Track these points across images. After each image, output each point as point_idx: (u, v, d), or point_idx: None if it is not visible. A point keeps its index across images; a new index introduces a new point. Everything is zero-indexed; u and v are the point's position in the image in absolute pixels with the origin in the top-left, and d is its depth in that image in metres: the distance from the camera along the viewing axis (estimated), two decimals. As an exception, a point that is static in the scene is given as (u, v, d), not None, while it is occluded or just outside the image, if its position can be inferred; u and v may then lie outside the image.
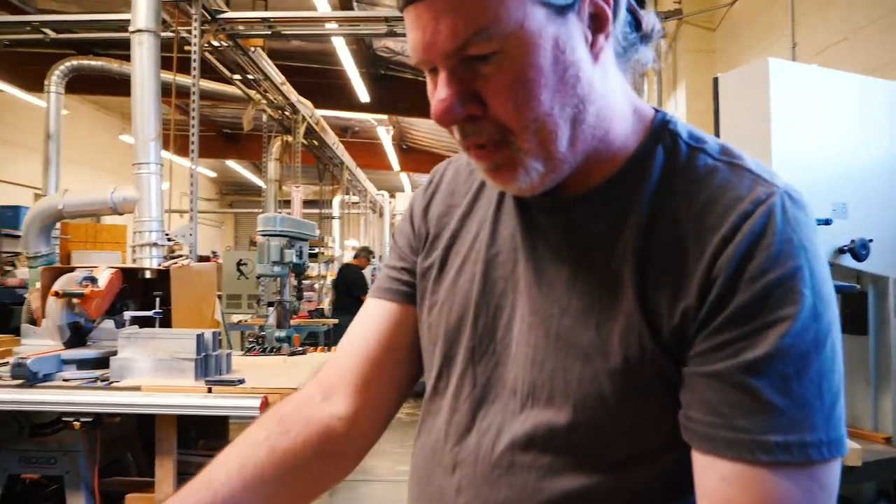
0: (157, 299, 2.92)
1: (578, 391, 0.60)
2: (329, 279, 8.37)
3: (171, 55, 3.97)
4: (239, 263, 6.68)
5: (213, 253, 9.43)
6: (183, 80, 4.11)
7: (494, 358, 0.67)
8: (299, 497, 0.71)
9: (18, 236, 7.64)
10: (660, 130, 0.65)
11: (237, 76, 6.12)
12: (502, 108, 0.56)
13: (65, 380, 2.53)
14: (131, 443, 2.94)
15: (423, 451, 0.72)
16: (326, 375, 0.76)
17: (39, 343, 2.78)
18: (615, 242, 0.61)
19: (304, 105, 7.15)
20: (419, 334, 0.75)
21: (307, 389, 0.76)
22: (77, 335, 2.80)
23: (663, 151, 0.63)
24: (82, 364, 2.66)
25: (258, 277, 4.13)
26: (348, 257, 9.80)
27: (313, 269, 7.88)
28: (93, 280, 2.81)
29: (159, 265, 3.25)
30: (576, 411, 0.60)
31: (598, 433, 0.60)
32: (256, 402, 2.33)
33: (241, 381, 2.52)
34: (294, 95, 6.77)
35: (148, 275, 3.14)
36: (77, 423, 2.44)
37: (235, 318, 5.88)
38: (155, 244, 3.30)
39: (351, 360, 0.75)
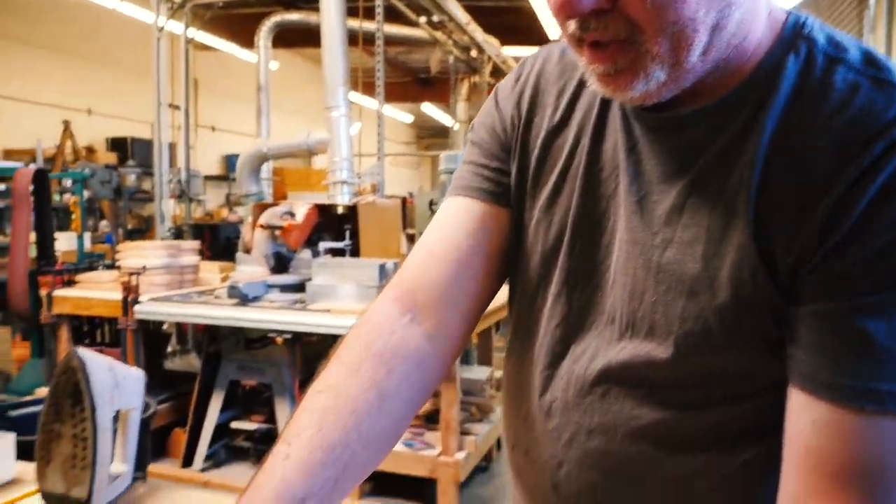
0: (347, 232, 3.17)
1: (681, 327, 0.57)
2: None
3: (357, 4, 4.16)
4: (431, 203, 6.95)
5: (410, 194, 9.91)
6: (369, 26, 4.31)
7: (592, 283, 0.63)
8: (400, 428, 0.64)
9: (232, 179, 8.66)
10: (792, 36, 0.56)
11: (423, 18, 6.27)
12: (639, 3, 0.49)
13: (270, 301, 2.87)
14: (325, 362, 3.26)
15: (513, 373, 0.71)
16: (409, 287, 0.67)
17: (250, 269, 3.16)
18: (731, 166, 0.55)
19: (490, 44, 7.15)
20: (508, 243, 0.69)
21: (390, 306, 0.66)
22: (280, 263, 3.14)
23: (795, 62, 0.55)
24: (284, 288, 2.99)
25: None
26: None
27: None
28: (292, 214, 3.12)
29: (349, 201, 3.50)
30: (677, 347, 0.57)
31: (699, 370, 0.57)
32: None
33: (418, 308, 2.68)
34: (479, 35, 6.80)
35: (340, 210, 3.40)
36: (280, 339, 2.78)
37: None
38: (345, 182, 3.57)
39: (435, 268, 0.67)
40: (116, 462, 0.97)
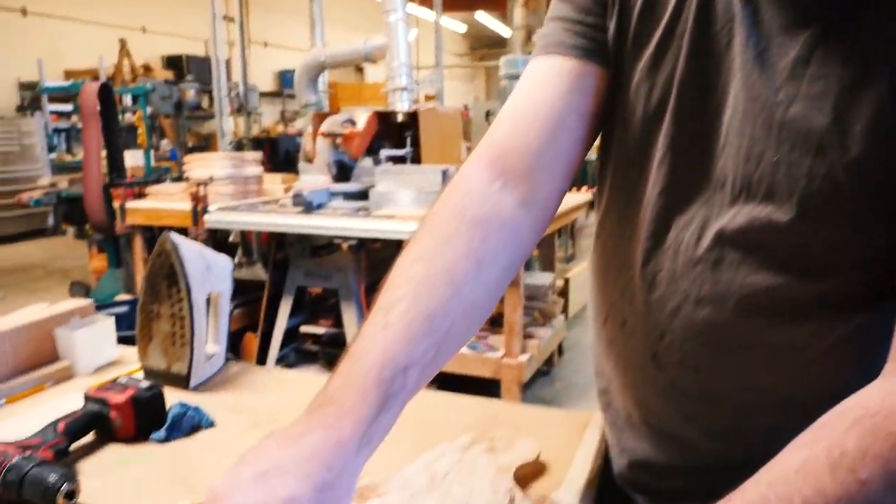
0: (408, 139, 3.14)
1: (807, 187, 0.53)
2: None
3: None
4: (487, 114, 6.83)
5: (465, 106, 9.73)
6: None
7: (700, 147, 0.60)
8: (496, 298, 0.62)
9: (292, 95, 8.64)
10: None
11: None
12: None
13: (334, 209, 2.90)
14: (391, 267, 3.31)
15: (608, 247, 0.69)
16: (499, 152, 0.64)
17: (313, 178, 3.19)
18: (867, 11, 0.50)
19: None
20: (604, 106, 0.65)
21: (480, 173, 0.63)
22: (342, 172, 3.15)
23: None
24: (347, 196, 3.01)
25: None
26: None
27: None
28: (353, 122, 3.10)
29: (409, 108, 3.46)
30: (801, 208, 0.53)
31: (823, 232, 0.54)
32: (495, 232, 2.46)
33: (481, 213, 2.67)
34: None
35: (400, 118, 3.36)
36: (345, 245, 2.82)
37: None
38: (405, 88, 3.51)
39: (526, 131, 0.63)
40: (210, 343, 1.01)
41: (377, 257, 3.14)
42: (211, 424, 0.84)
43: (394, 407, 0.49)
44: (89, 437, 0.79)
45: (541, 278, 3.10)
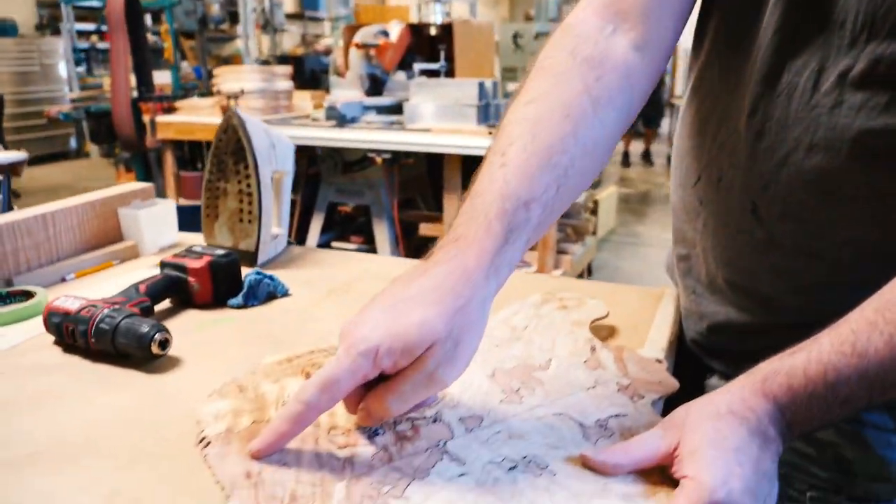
0: (442, 52, 3.06)
1: None
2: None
3: None
4: (515, 36, 6.65)
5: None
6: None
7: None
8: (614, 140, 0.61)
9: (319, 18, 8.44)
10: None
11: None
12: None
13: (367, 123, 2.86)
14: (422, 185, 3.29)
15: (707, 101, 0.66)
16: None
17: (345, 93, 3.13)
18: None
19: None
20: None
21: (590, 18, 0.62)
22: (375, 85, 3.09)
23: None
24: (381, 110, 2.96)
25: (536, 37, 4.09)
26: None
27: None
28: (386, 34, 3.02)
29: (441, 21, 3.36)
30: None
31: None
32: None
33: (519, 127, 2.62)
34: None
35: (433, 31, 3.27)
36: (379, 159, 2.79)
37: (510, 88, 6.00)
38: (438, 0, 3.40)
39: None
40: (273, 224, 1.00)
41: (410, 174, 3.11)
42: (286, 293, 0.84)
43: (518, 240, 0.48)
44: (166, 304, 0.79)
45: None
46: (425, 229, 2.95)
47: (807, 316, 0.58)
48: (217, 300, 0.80)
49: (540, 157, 0.50)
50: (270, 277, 0.83)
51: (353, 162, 3.03)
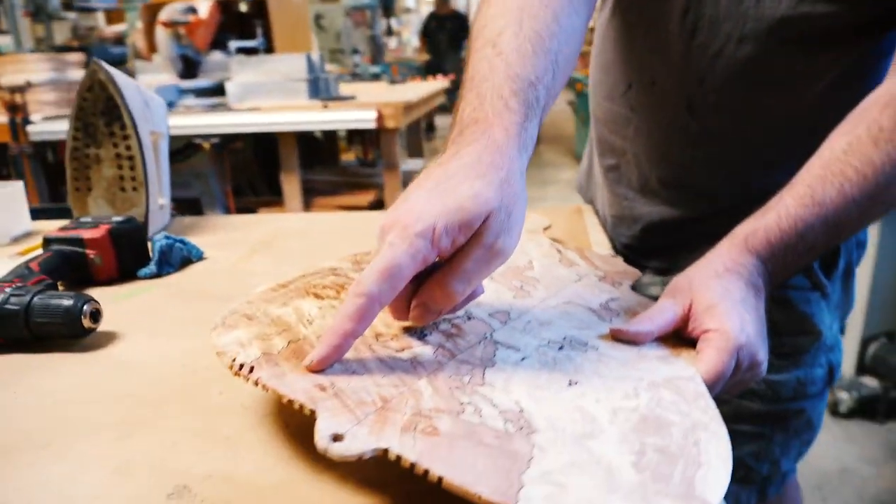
0: (259, 28, 2.91)
1: None
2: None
3: None
4: (317, 17, 6.49)
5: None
6: None
7: None
8: (584, 31, 0.59)
9: (91, 9, 7.62)
10: None
11: None
12: None
13: (186, 107, 2.65)
14: (251, 170, 3.13)
15: (632, 12, 0.69)
16: None
17: (153, 77, 2.87)
18: None
19: None
20: None
21: None
22: (189, 67, 2.87)
23: None
24: (199, 92, 2.76)
25: (347, 14, 4.03)
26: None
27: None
28: (193, 10, 2.81)
29: (251, -3, 3.19)
30: None
31: None
32: (371, 115, 2.39)
33: (353, 97, 2.57)
34: None
35: (243, 8, 3.10)
36: (206, 144, 2.60)
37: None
38: (243, -25, 3.22)
39: None
40: (157, 193, 0.89)
41: (238, 159, 2.94)
42: (201, 257, 0.76)
43: (535, 117, 0.46)
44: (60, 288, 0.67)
45: (414, 165, 3.08)
46: (265, 212, 2.81)
47: (737, 201, 0.63)
48: (124, 273, 0.70)
49: (533, 42, 0.50)
50: (181, 241, 0.74)
51: (174, 152, 2.79)
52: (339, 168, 2.93)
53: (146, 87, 0.88)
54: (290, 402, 0.34)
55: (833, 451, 1.79)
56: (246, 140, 2.91)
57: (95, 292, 0.67)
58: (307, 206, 2.63)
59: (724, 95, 0.65)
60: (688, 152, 0.69)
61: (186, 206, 3.09)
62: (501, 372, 0.39)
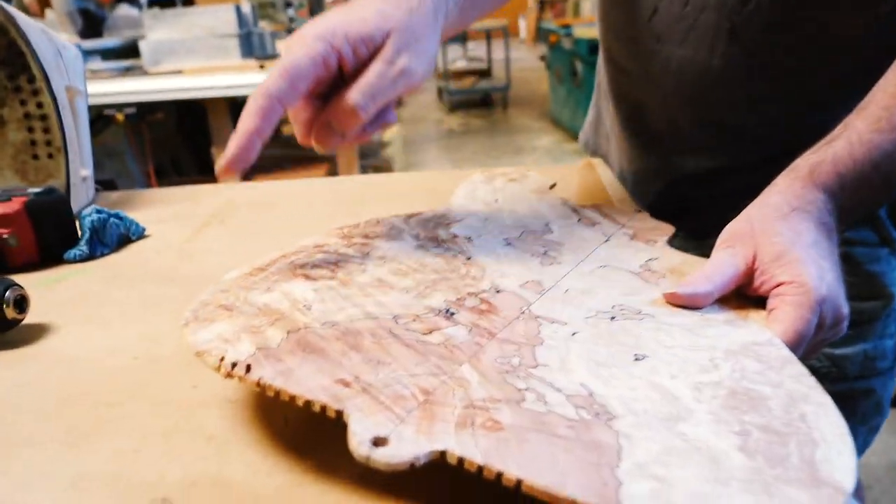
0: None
1: None
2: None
3: None
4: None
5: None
6: None
7: None
8: None
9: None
10: None
11: None
12: None
13: (92, 72, 2.55)
14: (174, 145, 3.05)
15: None
16: None
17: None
18: None
19: None
20: None
21: None
22: (91, 24, 2.77)
23: None
24: (107, 54, 2.67)
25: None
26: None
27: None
28: (94, -44, 2.71)
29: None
30: None
31: None
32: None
33: (295, 55, 2.52)
34: None
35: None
36: (120, 116, 2.52)
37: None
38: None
39: None
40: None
41: (162, 133, 2.86)
42: (142, 234, 0.72)
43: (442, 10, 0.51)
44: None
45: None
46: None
47: (788, 146, 0.62)
48: (46, 256, 0.65)
49: None
50: (117, 215, 0.70)
51: (80, 127, 2.70)
52: (283, 140, 2.87)
53: (52, 33, 0.83)
54: (306, 403, 0.32)
55: (879, 445, 1.76)
56: (167, 110, 2.82)
57: (20, 279, 0.62)
58: (245, 184, 2.57)
59: (776, 12, 0.63)
60: (729, 87, 0.67)
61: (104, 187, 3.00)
62: (553, 350, 0.37)
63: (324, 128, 0.47)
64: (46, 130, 0.77)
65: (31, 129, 0.77)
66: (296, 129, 0.49)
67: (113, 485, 0.34)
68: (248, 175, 2.64)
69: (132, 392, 0.42)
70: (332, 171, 2.67)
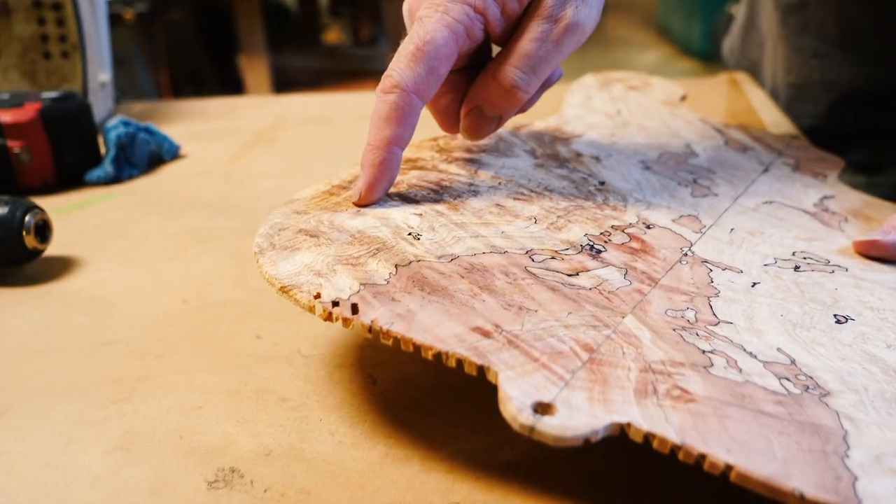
0: None
1: None
2: None
3: None
4: None
5: None
6: None
7: None
8: None
9: None
10: None
11: None
12: None
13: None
14: (195, 53, 3.08)
15: None
16: None
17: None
18: None
19: None
20: None
21: None
22: None
23: None
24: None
25: None
26: None
27: None
28: None
29: None
30: None
31: None
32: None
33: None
34: None
35: None
36: (129, 13, 2.55)
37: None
38: None
39: None
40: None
41: (177, 36, 2.89)
42: (177, 154, 0.73)
43: None
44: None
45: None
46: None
47: None
48: (64, 177, 0.67)
49: None
50: (147, 129, 0.71)
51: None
52: (324, 50, 2.88)
53: None
54: (436, 355, 0.31)
55: None
56: (186, 7, 2.85)
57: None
58: (280, 103, 2.60)
59: None
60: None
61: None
62: (734, 304, 0.37)
63: (473, 114, 0.45)
64: (60, 23, 0.78)
65: (41, 21, 0.78)
66: (436, 118, 0.47)
67: (170, 448, 0.35)
68: (284, 93, 2.66)
69: (185, 342, 0.43)
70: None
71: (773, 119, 0.73)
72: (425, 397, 0.37)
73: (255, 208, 0.60)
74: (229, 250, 0.54)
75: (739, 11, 0.90)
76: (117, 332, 0.45)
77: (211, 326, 0.45)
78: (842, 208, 0.51)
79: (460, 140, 0.54)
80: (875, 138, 0.73)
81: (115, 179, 0.67)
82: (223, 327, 0.44)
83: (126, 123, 0.69)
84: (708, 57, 4.61)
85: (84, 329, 0.45)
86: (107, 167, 0.67)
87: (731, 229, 0.45)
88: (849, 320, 0.36)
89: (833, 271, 0.41)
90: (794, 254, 0.43)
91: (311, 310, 0.33)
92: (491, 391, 0.29)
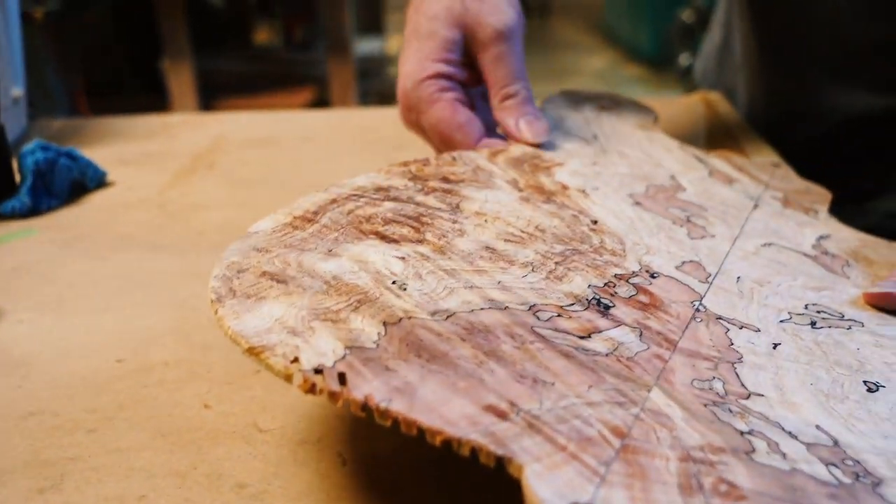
0: None
1: None
2: None
3: None
4: None
5: None
6: None
7: None
8: None
9: None
10: None
11: None
12: None
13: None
14: (112, 52, 3.01)
15: None
16: None
17: None
18: None
19: None
20: None
21: None
22: None
23: None
24: (25, -70, 2.62)
25: None
26: None
27: None
28: None
29: None
30: None
31: None
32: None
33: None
34: None
35: None
36: (38, 12, 2.48)
37: None
38: None
39: None
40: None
41: (93, 36, 2.83)
42: (103, 180, 0.69)
43: None
44: None
45: (371, 45, 3.01)
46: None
47: None
48: (-29, 210, 0.63)
49: None
50: (69, 153, 0.67)
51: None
52: (254, 52, 2.84)
53: None
54: (445, 441, 0.28)
55: None
56: (101, 5, 2.79)
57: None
58: (207, 110, 2.55)
59: None
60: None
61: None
62: (760, 371, 0.36)
63: (523, 122, 0.59)
64: (-31, 32, 0.74)
65: (-53, 31, 0.74)
66: (457, 134, 0.58)
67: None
68: (211, 98, 2.62)
69: (121, 413, 0.40)
70: (323, 96, 2.64)
71: (751, 143, 0.74)
72: (402, 478, 0.34)
73: (198, 245, 0.57)
74: (169, 298, 0.50)
75: (713, 33, 0.91)
76: (40, 400, 0.41)
77: (151, 393, 0.41)
78: (840, 249, 0.50)
79: (433, 167, 0.52)
80: (875, 168, 0.74)
81: (33, 211, 0.64)
82: (165, 394, 0.41)
83: (45, 148, 0.65)
84: (656, 62, 4.68)
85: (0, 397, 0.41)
86: (23, 197, 0.63)
87: (738, 278, 0.45)
88: (879, 388, 0.35)
89: (850, 327, 0.41)
90: (806, 307, 0.42)
91: (288, 378, 0.30)
92: (478, 468, 0.27)
